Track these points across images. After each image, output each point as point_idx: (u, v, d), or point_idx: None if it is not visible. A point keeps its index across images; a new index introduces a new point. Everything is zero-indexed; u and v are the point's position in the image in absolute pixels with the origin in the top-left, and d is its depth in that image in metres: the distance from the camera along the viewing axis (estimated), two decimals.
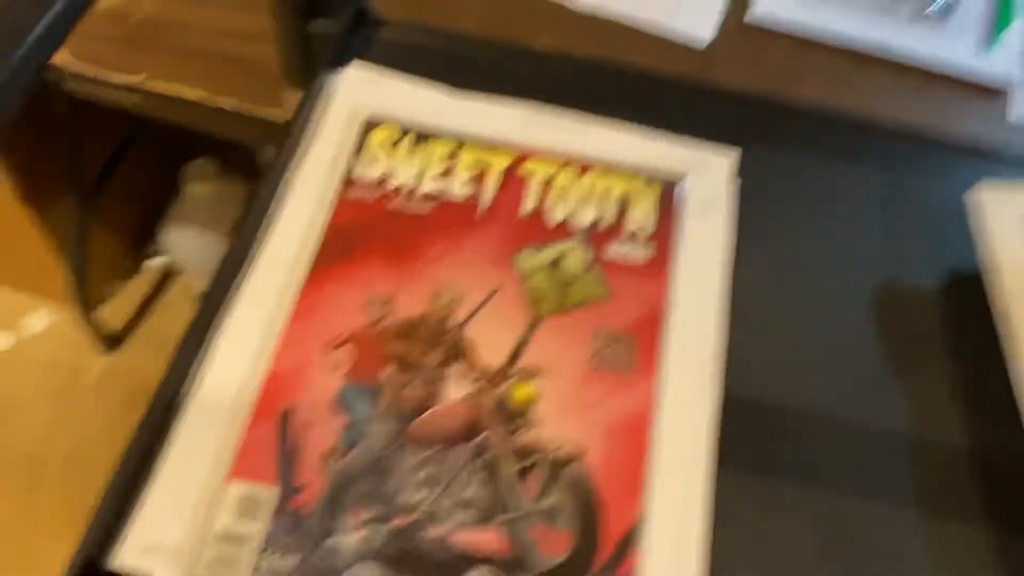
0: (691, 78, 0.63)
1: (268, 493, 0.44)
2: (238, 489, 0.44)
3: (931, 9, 0.82)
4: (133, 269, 1.38)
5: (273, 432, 0.46)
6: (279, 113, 0.74)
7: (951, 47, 0.81)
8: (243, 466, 0.45)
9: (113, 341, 1.31)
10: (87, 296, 1.24)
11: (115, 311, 1.34)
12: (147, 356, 1.30)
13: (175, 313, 1.35)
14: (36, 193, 1.13)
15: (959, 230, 0.57)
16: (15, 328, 1.32)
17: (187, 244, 1.23)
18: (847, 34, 0.80)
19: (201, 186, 1.15)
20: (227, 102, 0.74)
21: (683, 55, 0.79)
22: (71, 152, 1.08)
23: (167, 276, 1.37)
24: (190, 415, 0.46)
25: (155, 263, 1.38)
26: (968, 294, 0.54)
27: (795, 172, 0.59)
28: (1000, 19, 0.83)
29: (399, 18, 0.64)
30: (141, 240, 1.38)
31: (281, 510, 0.44)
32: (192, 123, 0.82)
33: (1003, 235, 0.52)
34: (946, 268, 0.56)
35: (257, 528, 0.43)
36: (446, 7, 0.79)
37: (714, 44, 0.80)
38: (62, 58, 0.75)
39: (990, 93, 0.79)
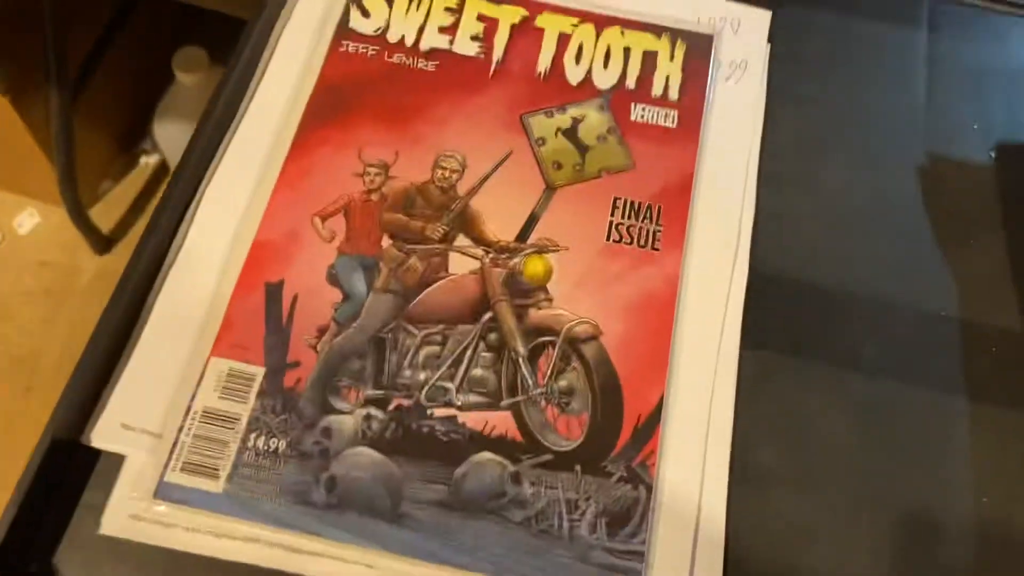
0: None
1: (255, 371, 0.40)
2: (222, 366, 0.40)
3: None
4: (126, 167, 1.33)
5: (260, 306, 0.42)
6: None
7: None
8: (227, 342, 0.41)
9: (106, 242, 1.27)
10: (77, 196, 1.19)
11: (108, 211, 1.30)
12: None
13: None
14: (19, 86, 1.07)
15: (1008, 97, 0.52)
16: (5, 228, 1.27)
17: (180, 138, 1.17)
18: None
19: (193, 76, 1.09)
20: None
21: None
22: (54, 40, 1.02)
23: (161, 175, 1.32)
24: (169, 287, 0.42)
25: (149, 161, 1.32)
26: (1020, 163, 0.49)
27: (832, 33, 0.53)
28: None
29: None
30: (132, 136, 1.33)
31: (270, 389, 0.40)
32: None
33: None
34: (995, 136, 0.50)
35: (243, 407, 0.39)
36: None
37: None
38: None
39: None
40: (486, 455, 0.39)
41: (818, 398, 0.43)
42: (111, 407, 0.39)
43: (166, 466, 0.38)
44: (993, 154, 0.50)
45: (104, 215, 1.29)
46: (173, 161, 1.24)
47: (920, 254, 0.47)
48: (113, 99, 1.24)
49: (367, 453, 0.39)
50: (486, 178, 0.46)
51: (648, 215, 0.45)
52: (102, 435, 0.38)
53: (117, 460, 0.38)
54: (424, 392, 0.40)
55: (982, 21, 0.54)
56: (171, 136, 1.17)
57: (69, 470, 0.38)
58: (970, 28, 0.54)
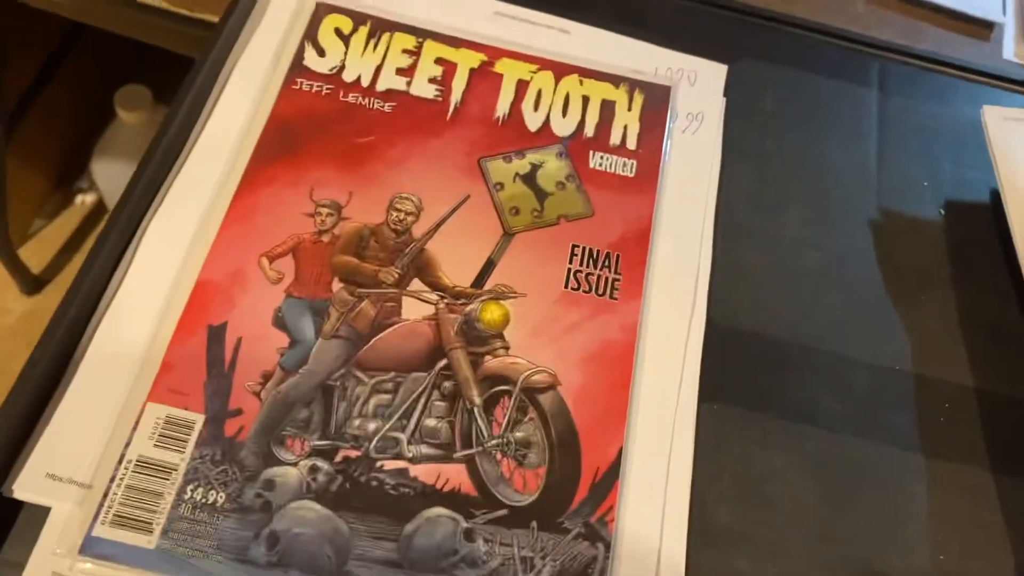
0: None
1: (194, 418, 0.38)
2: (159, 412, 0.38)
3: None
4: (61, 205, 1.28)
5: (201, 350, 0.39)
6: (216, 15, 0.66)
7: None
8: (165, 386, 0.38)
9: (35, 282, 1.22)
10: (7, 234, 1.14)
11: (39, 250, 1.25)
12: None
13: None
14: None
15: (955, 155, 0.53)
16: None
17: (118, 178, 1.14)
18: None
19: (135, 114, 1.06)
20: (158, 2, 0.66)
21: None
22: None
23: (97, 213, 1.28)
24: (104, 328, 0.40)
25: (84, 199, 1.28)
26: (968, 220, 0.50)
27: (786, 89, 0.54)
28: None
29: None
30: (69, 174, 1.29)
31: (209, 437, 0.38)
32: (123, 28, 0.74)
33: (1015, 157, 0.48)
34: (944, 193, 0.51)
35: (180, 457, 0.37)
36: None
37: None
38: None
39: (980, 29, 0.75)
40: (438, 510, 0.37)
41: (776, 453, 0.42)
42: (36, 455, 0.36)
43: (95, 519, 0.35)
44: (943, 211, 0.51)
45: (35, 254, 1.24)
46: (111, 200, 1.21)
47: (874, 308, 0.47)
48: (50, 135, 1.20)
49: (312, 507, 0.37)
50: (442, 221, 0.44)
51: (607, 263, 0.44)
52: (25, 486, 0.36)
53: (41, 513, 0.36)
54: (373, 443, 0.39)
55: (929, 82, 0.56)
56: (110, 174, 1.14)
57: None
58: (918, 88, 0.55)
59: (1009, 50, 0.74)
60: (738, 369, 0.44)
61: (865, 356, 0.45)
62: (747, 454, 0.42)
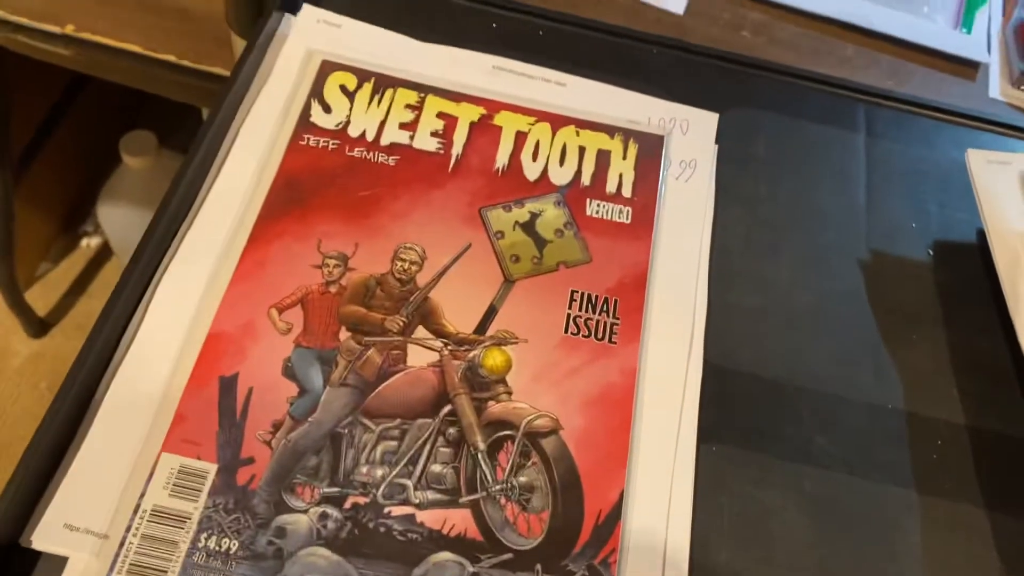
0: (669, 38, 0.59)
1: (207, 467, 0.39)
2: (173, 462, 0.39)
3: None
4: (67, 248, 1.30)
5: (213, 400, 0.41)
6: (225, 68, 0.68)
7: (926, 23, 0.78)
8: (178, 437, 0.40)
9: (41, 325, 1.23)
10: (14, 277, 1.16)
11: (45, 293, 1.26)
12: (77, 341, 1.22)
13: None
14: None
15: (941, 196, 0.54)
16: None
17: (123, 222, 1.15)
18: (821, 6, 0.78)
19: (140, 159, 1.08)
20: (166, 56, 0.68)
21: (655, 19, 0.75)
22: None
23: (102, 257, 1.30)
24: (119, 382, 0.41)
25: (90, 243, 1.30)
26: (956, 260, 0.52)
27: (777, 134, 0.55)
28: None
29: None
30: (74, 217, 1.31)
31: (222, 486, 0.39)
32: (128, 80, 0.76)
33: (999, 199, 0.49)
34: (931, 234, 0.53)
35: (194, 506, 0.38)
36: None
37: (688, 9, 0.77)
38: None
39: (966, 69, 0.77)
40: (445, 555, 0.38)
41: (773, 492, 0.43)
42: (54, 506, 0.37)
43: (111, 569, 0.36)
44: (931, 251, 0.52)
45: (41, 297, 1.25)
46: (116, 243, 1.22)
47: (866, 348, 0.48)
48: (57, 180, 1.22)
49: (322, 554, 0.38)
50: (445, 270, 0.46)
51: (605, 308, 0.46)
52: (44, 536, 0.37)
53: (59, 563, 0.37)
54: (381, 489, 0.40)
55: (915, 125, 0.57)
56: (115, 218, 1.16)
57: (6, 575, 0.36)
58: (905, 131, 0.57)
59: (995, 89, 0.76)
60: (735, 410, 0.45)
61: (858, 395, 0.47)
62: (745, 493, 0.43)
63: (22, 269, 1.20)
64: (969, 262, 0.52)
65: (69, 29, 0.68)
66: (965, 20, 0.80)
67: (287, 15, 0.53)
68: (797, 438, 0.45)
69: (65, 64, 0.74)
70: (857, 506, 0.43)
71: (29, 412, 1.16)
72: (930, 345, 0.49)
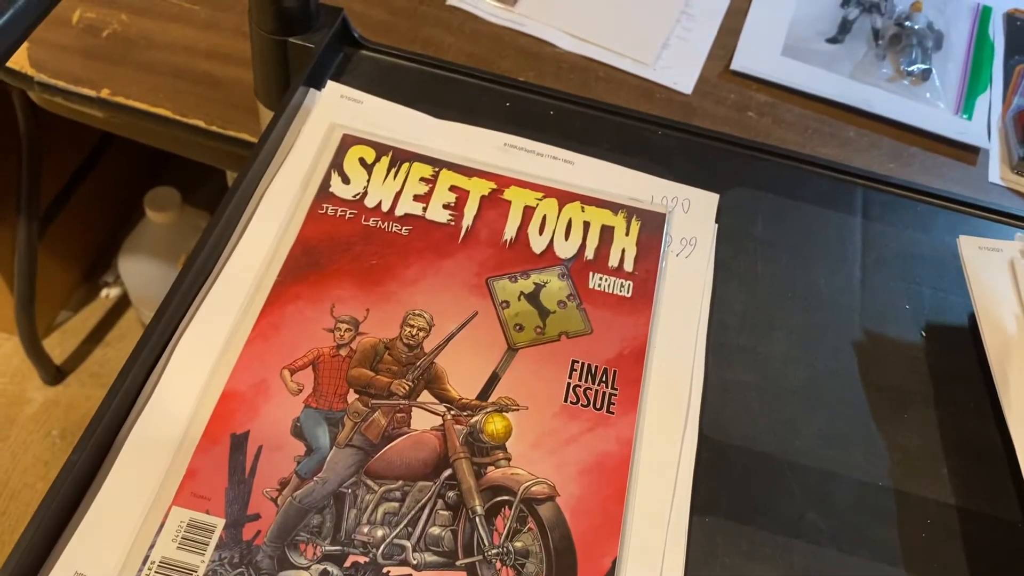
0: (673, 120, 0.62)
1: (215, 522, 0.41)
2: (183, 516, 0.40)
3: (908, 70, 0.83)
4: (87, 297, 1.33)
5: (224, 457, 0.42)
6: (251, 134, 0.71)
7: (927, 108, 0.81)
8: (189, 491, 0.41)
9: (57, 373, 1.26)
10: (34, 326, 1.19)
11: (63, 341, 1.29)
12: (92, 390, 1.25)
13: (125, 347, 1.30)
14: None
15: (935, 279, 0.56)
16: None
17: (143, 275, 1.18)
18: (825, 89, 0.81)
19: (164, 214, 1.11)
20: (194, 120, 0.72)
21: (665, 99, 0.79)
22: (29, 170, 1.05)
23: (120, 307, 1.33)
24: (135, 435, 0.43)
25: (109, 293, 1.33)
26: (948, 342, 0.53)
27: (776, 214, 0.57)
28: (973, 85, 0.84)
29: (380, 42, 0.62)
30: (96, 267, 1.34)
31: (228, 541, 0.40)
32: (157, 142, 0.80)
33: (990, 285, 0.51)
34: (924, 316, 0.54)
35: (200, 559, 0.40)
36: (426, 41, 0.78)
37: (696, 90, 0.80)
38: (22, 63, 0.72)
39: (967, 154, 0.79)
40: None
41: (764, 566, 0.44)
42: (67, 555, 0.39)
43: None
44: (923, 333, 0.54)
45: (58, 345, 1.28)
46: (135, 294, 1.25)
47: (858, 426, 0.49)
48: (81, 231, 1.26)
49: None
50: (451, 337, 0.48)
51: (604, 379, 0.47)
52: None
53: None
54: (381, 549, 0.41)
55: (911, 210, 0.59)
56: (136, 271, 1.19)
57: None
58: (900, 215, 0.59)
59: (995, 174, 0.79)
60: (728, 483, 0.47)
61: (849, 472, 0.48)
62: (736, 567, 0.44)
63: (42, 316, 1.23)
64: (961, 344, 0.53)
65: (104, 93, 0.72)
66: (966, 106, 0.82)
67: (312, 90, 0.56)
68: (788, 512, 0.46)
69: (98, 125, 0.78)
70: None
71: (40, 459, 1.17)
72: (921, 425, 0.50)
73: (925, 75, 0.84)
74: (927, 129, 0.80)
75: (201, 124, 0.72)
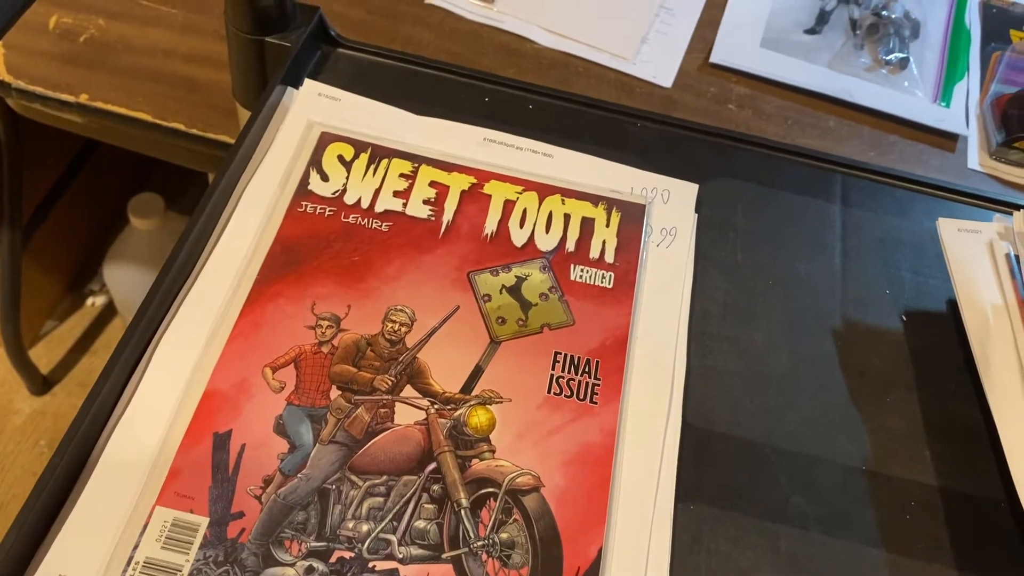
0: (652, 112, 0.62)
1: (199, 520, 0.40)
2: (166, 516, 0.40)
3: (886, 59, 0.84)
4: (72, 307, 1.32)
5: (207, 456, 0.42)
6: (231, 136, 0.71)
7: (906, 96, 0.82)
8: (172, 491, 0.41)
9: (43, 382, 1.25)
10: (19, 335, 1.18)
11: (50, 350, 1.28)
12: (79, 399, 1.24)
13: None
14: None
15: (914, 264, 0.56)
16: None
17: (129, 282, 1.18)
18: (804, 80, 0.81)
19: (147, 221, 1.11)
20: (174, 123, 0.71)
21: (646, 93, 0.79)
22: (10, 178, 1.04)
23: (106, 316, 1.32)
24: (117, 437, 0.43)
25: (95, 302, 1.32)
26: (929, 326, 0.53)
27: (756, 203, 0.58)
28: (951, 72, 0.85)
29: (358, 40, 0.62)
30: (81, 276, 1.33)
31: (213, 539, 0.40)
32: (138, 146, 0.79)
33: (970, 267, 0.51)
34: (904, 301, 0.55)
35: (185, 558, 0.39)
36: (406, 39, 0.78)
37: (676, 83, 0.80)
38: (2, 71, 0.72)
39: (946, 141, 0.80)
40: None
41: (749, 551, 0.44)
42: (50, 557, 0.39)
43: None
44: (904, 318, 0.54)
45: (45, 355, 1.27)
46: (120, 302, 1.25)
47: (840, 411, 0.50)
48: (65, 240, 1.25)
49: None
50: (434, 331, 0.48)
51: (587, 369, 0.48)
52: None
53: None
54: (366, 544, 0.41)
55: (889, 196, 0.60)
56: (121, 278, 1.19)
57: None
58: (879, 201, 0.59)
59: (974, 160, 0.79)
60: (713, 469, 0.47)
61: (833, 456, 0.48)
62: (722, 552, 0.44)
63: (27, 327, 1.23)
64: (941, 328, 0.53)
65: (83, 98, 0.72)
66: (944, 94, 0.83)
67: (289, 88, 0.56)
68: (773, 498, 0.46)
69: (77, 131, 0.77)
70: (831, 566, 0.44)
71: (28, 470, 1.17)
72: (903, 408, 0.50)
73: (903, 64, 0.84)
74: (906, 117, 0.80)
75: (181, 127, 0.72)
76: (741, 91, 0.81)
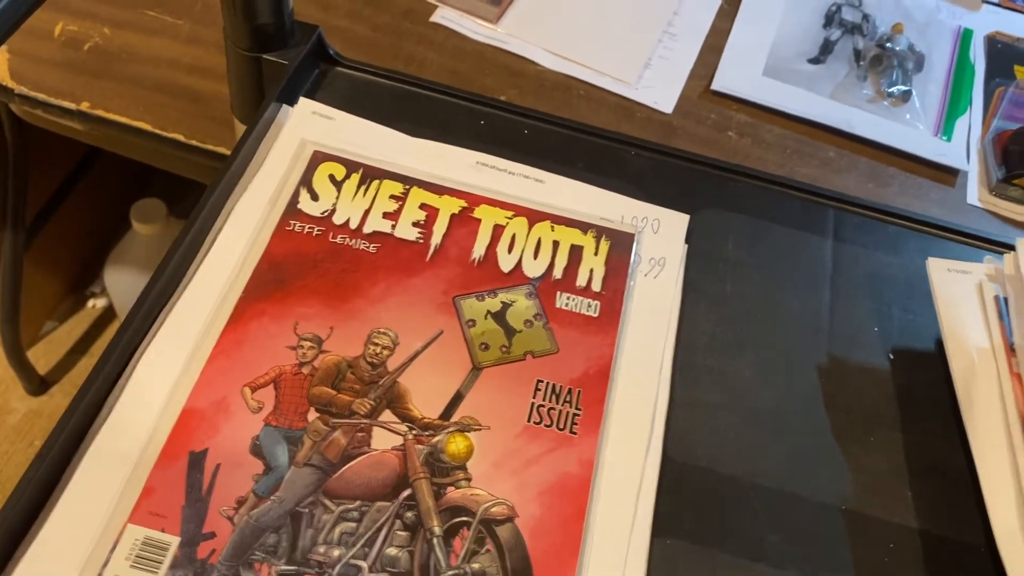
0: (648, 141, 0.62)
1: (170, 540, 0.40)
2: (137, 534, 0.40)
3: (888, 91, 0.84)
4: (73, 308, 1.33)
5: (181, 474, 0.42)
6: (230, 149, 0.71)
7: (907, 129, 0.81)
8: (145, 509, 0.41)
9: (41, 383, 1.25)
10: (18, 336, 1.19)
11: (48, 351, 1.29)
12: None
13: None
14: None
15: (904, 302, 0.56)
16: None
17: (129, 285, 1.18)
18: (805, 110, 0.81)
19: (149, 226, 1.12)
20: (174, 134, 0.72)
21: (646, 118, 0.79)
22: (15, 182, 1.05)
23: (106, 318, 1.33)
24: (94, 450, 0.43)
25: (95, 304, 1.33)
26: (916, 366, 0.53)
27: (747, 236, 0.57)
28: (953, 107, 0.84)
29: (358, 60, 0.62)
30: (83, 279, 1.34)
31: (183, 560, 0.40)
32: (138, 155, 0.80)
33: (958, 308, 0.51)
34: (892, 340, 0.54)
35: None
36: (409, 57, 0.79)
37: (677, 109, 0.80)
38: (2, 75, 0.73)
39: (945, 175, 0.80)
40: None
41: None
42: (20, 572, 0.39)
43: None
44: (891, 356, 0.54)
45: (43, 356, 1.28)
46: (120, 306, 1.25)
47: (823, 449, 0.49)
48: (67, 242, 1.26)
49: None
50: (415, 356, 0.48)
51: (568, 399, 0.47)
52: None
53: None
54: (336, 570, 0.41)
55: (882, 232, 0.60)
56: (121, 282, 1.19)
57: None
58: (871, 238, 0.59)
59: (973, 195, 0.79)
60: (691, 504, 0.46)
61: (813, 494, 0.48)
62: None
63: (27, 327, 1.23)
64: (929, 368, 0.53)
65: (84, 106, 0.72)
66: (946, 128, 0.83)
67: (285, 106, 0.57)
68: (750, 535, 0.46)
69: (78, 138, 0.78)
70: None
71: (23, 470, 1.17)
72: (887, 448, 0.50)
73: (905, 96, 0.84)
74: (906, 150, 0.80)
75: (181, 138, 0.72)
76: (742, 119, 0.81)
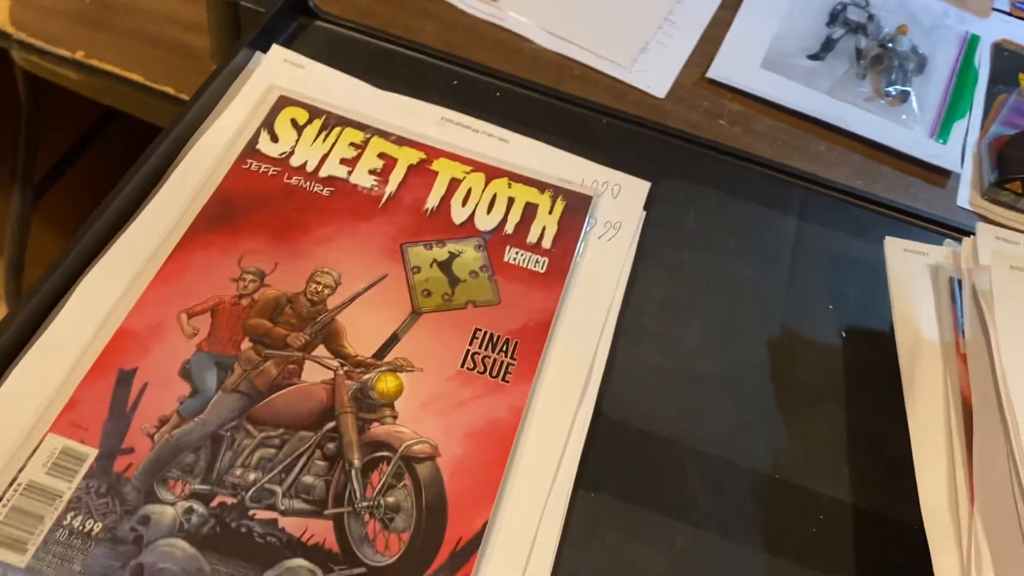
0: (618, 109, 0.61)
1: (88, 451, 0.41)
2: (56, 443, 0.41)
3: (887, 90, 0.83)
4: None
5: (108, 391, 0.43)
6: None
7: (902, 129, 0.80)
8: (67, 420, 0.41)
9: None
10: (21, 290, 1.21)
11: None
12: None
13: None
14: None
15: (861, 283, 0.55)
16: None
17: None
18: (800, 103, 0.80)
19: None
20: (164, 87, 0.73)
21: (638, 101, 0.78)
22: (27, 136, 1.07)
23: None
24: (26, 361, 0.43)
25: None
26: (867, 345, 0.52)
27: (709, 208, 0.57)
28: (952, 110, 0.83)
29: (338, 14, 0.63)
30: None
31: (98, 471, 0.40)
32: (129, 107, 0.81)
33: (911, 288, 0.50)
34: (847, 319, 0.53)
35: (67, 485, 0.40)
36: (405, 28, 0.79)
37: (670, 94, 0.80)
38: (3, 21, 0.74)
39: (937, 176, 0.78)
40: (298, 561, 0.39)
41: (644, 547, 0.43)
42: None
43: None
44: (843, 334, 0.53)
45: None
46: None
47: (764, 418, 0.49)
48: (75, 204, 1.28)
49: (180, 545, 0.39)
50: (356, 296, 0.48)
51: (504, 348, 0.47)
52: None
53: None
54: (250, 493, 0.41)
55: (847, 214, 0.59)
56: None
57: None
58: (836, 219, 0.58)
59: (964, 198, 0.77)
60: (623, 463, 0.46)
61: (748, 462, 0.47)
62: (615, 544, 0.43)
63: (29, 287, 1.25)
64: (881, 348, 0.52)
65: (79, 55, 0.74)
66: (942, 131, 0.81)
67: (257, 52, 0.57)
68: (679, 497, 0.45)
69: (71, 87, 0.79)
70: (726, 568, 0.43)
71: None
72: (828, 423, 0.49)
73: (903, 97, 0.83)
74: (899, 149, 0.79)
75: (170, 91, 0.73)
76: (734, 108, 0.80)
